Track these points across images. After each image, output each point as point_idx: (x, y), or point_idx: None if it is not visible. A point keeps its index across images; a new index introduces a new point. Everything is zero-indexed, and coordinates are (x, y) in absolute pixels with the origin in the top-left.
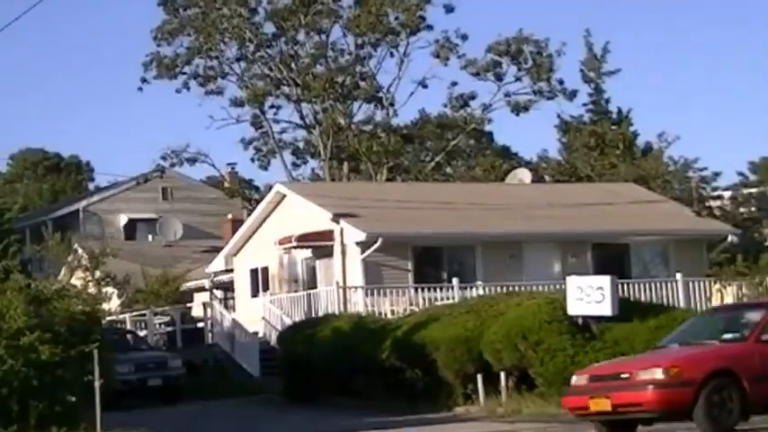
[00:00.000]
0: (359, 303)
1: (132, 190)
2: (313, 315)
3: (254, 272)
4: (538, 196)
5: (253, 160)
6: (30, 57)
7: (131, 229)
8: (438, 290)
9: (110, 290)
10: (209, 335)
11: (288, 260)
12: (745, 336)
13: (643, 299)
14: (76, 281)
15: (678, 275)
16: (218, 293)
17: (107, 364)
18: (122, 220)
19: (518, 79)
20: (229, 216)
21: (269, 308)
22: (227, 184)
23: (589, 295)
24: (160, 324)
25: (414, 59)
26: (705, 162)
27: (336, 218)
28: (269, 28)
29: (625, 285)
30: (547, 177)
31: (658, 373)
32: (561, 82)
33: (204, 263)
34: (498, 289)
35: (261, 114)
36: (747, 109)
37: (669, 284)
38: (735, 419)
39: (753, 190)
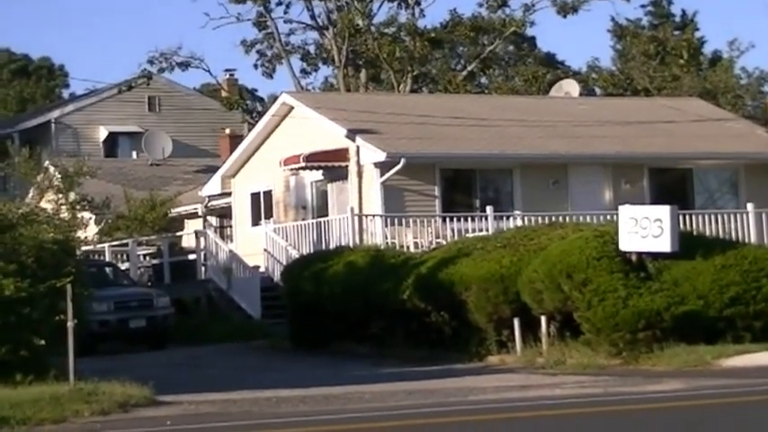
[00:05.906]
0: (377, 234)
1: (114, 99)
2: (323, 247)
3: (255, 196)
4: (587, 112)
5: (255, 66)
6: None
7: (112, 144)
8: (469, 220)
9: (86, 215)
10: (202, 269)
11: (295, 183)
12: None
13: (708, 233)
14: (47, 204)
15: (749, 206)
16: (213, 221)
17: (82, 302)
18: (102, 133)
19: None
20: (227, 131)
21: (272, 238)
22: (224, 94)
23: (645, 228)
24: (145, 256)
25: None
26: None
27: (352, 134)
28: None
29: (687, 217)
30: (597, 90)
31: None
32: None
33: (197, 185)
34: (539, 219)
35: (266, 13)
36: None
37: (738, 216)
38: None
39: None
